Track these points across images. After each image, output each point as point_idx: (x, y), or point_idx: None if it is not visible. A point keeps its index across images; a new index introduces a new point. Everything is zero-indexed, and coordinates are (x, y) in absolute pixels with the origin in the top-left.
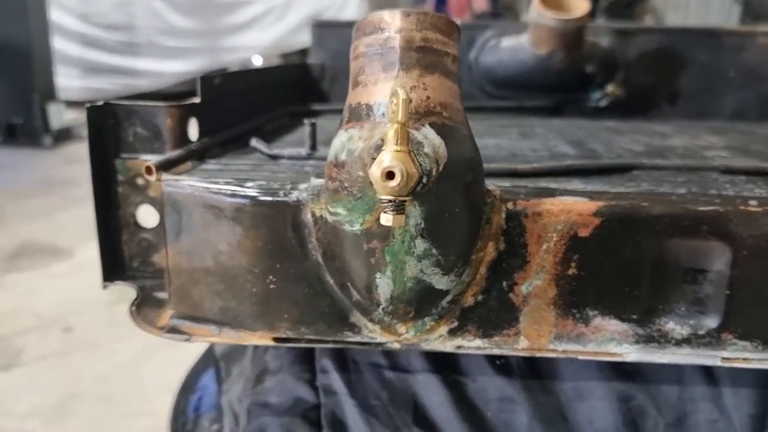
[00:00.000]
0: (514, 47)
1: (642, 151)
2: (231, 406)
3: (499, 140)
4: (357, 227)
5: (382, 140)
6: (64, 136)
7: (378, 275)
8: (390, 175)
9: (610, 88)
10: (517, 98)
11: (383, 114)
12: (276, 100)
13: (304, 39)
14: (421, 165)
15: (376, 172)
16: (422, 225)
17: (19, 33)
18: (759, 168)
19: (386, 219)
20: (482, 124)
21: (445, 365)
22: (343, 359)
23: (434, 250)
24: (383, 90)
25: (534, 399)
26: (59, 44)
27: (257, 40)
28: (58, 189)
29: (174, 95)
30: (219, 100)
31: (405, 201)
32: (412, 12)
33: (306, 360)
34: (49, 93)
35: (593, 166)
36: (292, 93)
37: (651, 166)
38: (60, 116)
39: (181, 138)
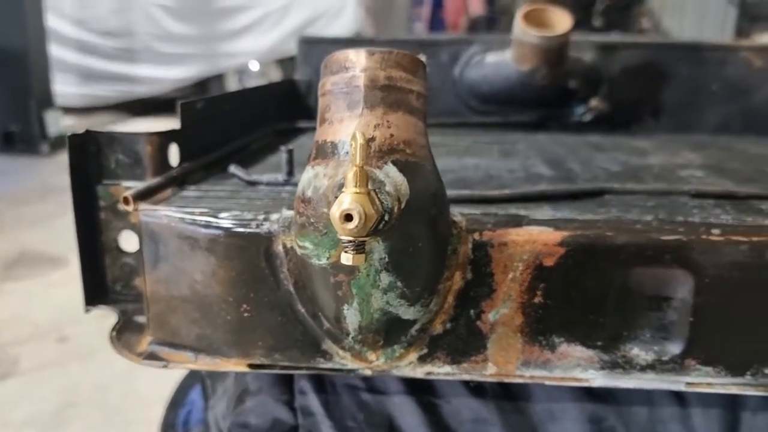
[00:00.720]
0: (498, 63)
1: (618, 171)
2: (216, 422)
3: (478, 160)
4: (324, 261)
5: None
6: (61, 143)
7: (345, 307)
8: (348, 217)
9: (593, 102)
10: (502, 113)
11: (347, 153)
12: (262, 118)
13: None
14: (382, 203)
15: (335, 213)
16: (386, 260)
17: (15, 40)
18: (728, 192)
19: (347, 258)
20: (466, 140)
21: (420, 387)
22: (320, 381)
23: (399, 283)
24: (348, 128)
25: (507, 420)
26: (56, 51)
27: (255, 45)
28: (55, 196)
29: (172, 101)
30: (201, 124)
31: (365, 241)
32: (377, 51)
33: (285, 382)
34: (47, 100)
35: (564, 192)
36: (278, 110)
37: (622, 191)
38: (57, 123)
39: (162, 164)
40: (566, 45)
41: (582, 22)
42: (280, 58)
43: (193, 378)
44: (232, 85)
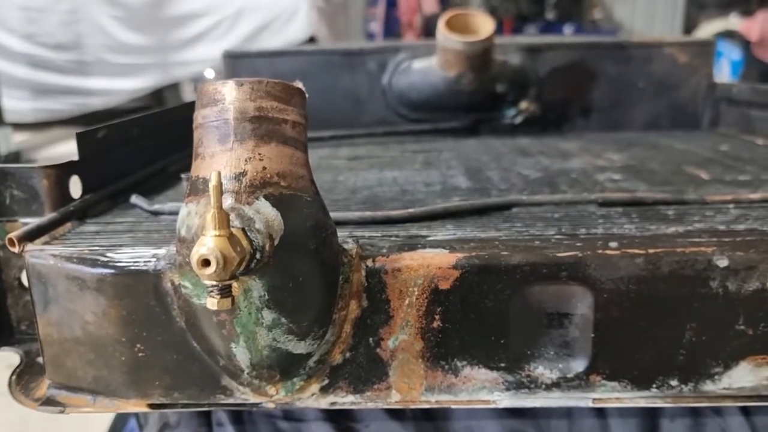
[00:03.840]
0: (424, 70)
1: (536, 178)
2: None
3: (398, 172)
4: (204, 301)
5: None
6: (13, 160)
7: (233, 345)
8: (206, 262)
9: (523, 105)
10: (432, 120)
11: None
12: (181, 139)
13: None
14: (252, 241)
15: (193, 258)
16: (266, 297)
17: None
18: (635, 199)
19: (212, 303)
20: (394, 150)
21: (338, 412)
22: (237, 412)
23: (284, 319)
24: (219, 163)
25: None
26: (5, 66)
27: (208, 53)
28: None
29: (128, 112)
30: (105, 153)
31: (230, 284)
32: (246, 81)
33: (203, 414)
34: None
35: (469, 208)
36: None
37: (529, 203)
38: (8, 141)
39: (62, 198)
40: (490, 49)
41: (535, 15)
42: None
43: None
44: (188, 93)
